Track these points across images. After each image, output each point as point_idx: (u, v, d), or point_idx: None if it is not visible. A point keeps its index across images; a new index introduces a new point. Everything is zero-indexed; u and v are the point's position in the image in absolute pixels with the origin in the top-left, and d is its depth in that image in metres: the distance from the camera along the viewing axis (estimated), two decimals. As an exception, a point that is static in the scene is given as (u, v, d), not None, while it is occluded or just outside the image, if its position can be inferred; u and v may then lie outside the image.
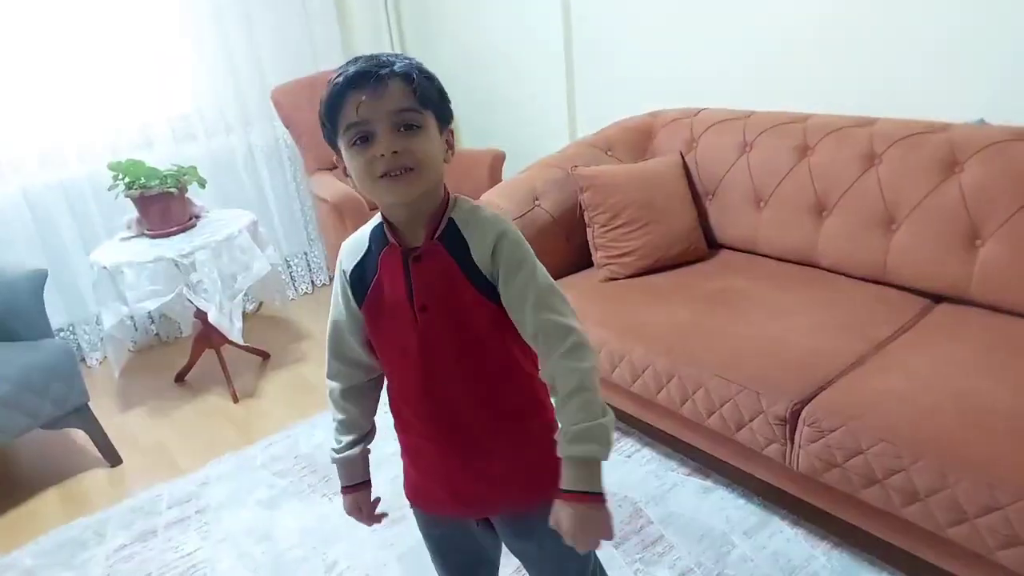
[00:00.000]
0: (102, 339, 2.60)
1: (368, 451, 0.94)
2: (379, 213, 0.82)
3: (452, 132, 0.80)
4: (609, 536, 0.73)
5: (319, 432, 2.02)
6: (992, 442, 1.08)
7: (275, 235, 2.97)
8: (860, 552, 1.37)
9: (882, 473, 1.15)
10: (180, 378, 2.44)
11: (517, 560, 0.98)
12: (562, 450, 0.73)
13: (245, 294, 2.30)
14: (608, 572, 1.32)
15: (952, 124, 1.55)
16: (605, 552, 1.45)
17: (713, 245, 1.97)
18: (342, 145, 0.75)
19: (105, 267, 2.06)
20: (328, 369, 0.91)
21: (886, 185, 1.60)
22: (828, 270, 1.73)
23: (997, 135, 1.47)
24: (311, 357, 2.49)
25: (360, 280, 0.83)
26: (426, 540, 0.97)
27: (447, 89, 0.80)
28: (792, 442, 1.29)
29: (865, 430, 1.17)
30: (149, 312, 2.50)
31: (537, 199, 1.90)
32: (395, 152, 0.72)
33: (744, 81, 2.04)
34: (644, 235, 1.83)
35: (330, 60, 2.94)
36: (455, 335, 0.79)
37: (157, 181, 2.11)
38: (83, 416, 1.93)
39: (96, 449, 1.98)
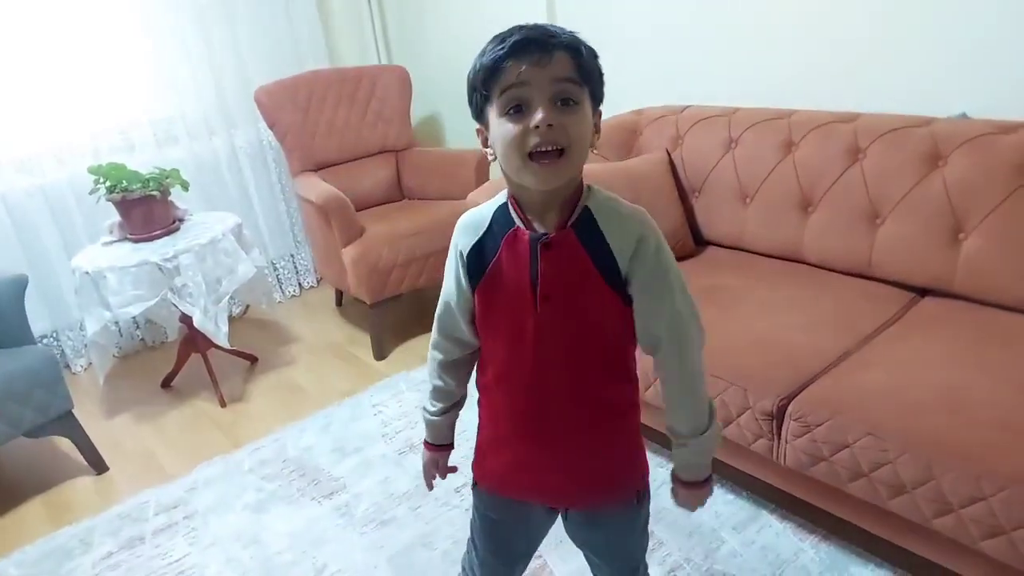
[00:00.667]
0: (86, 345, 2.56)
1: (457, 416, 0.96)
2: (503, 192, 0.80)
3: (600, 114, 0.77)
4: (708, 497, 0.90)
5: (307, 435, 2.01)
6: (977, 433, 1.09)
7: (261, 237, 2.94)
8: (848, 544, 1.38)
9: (868, 466, 1.16)
10: (166, 383, 2.41)
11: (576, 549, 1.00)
12: (688, 452, 0.84)
13: (231, 297, 2.28)
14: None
15: (935, 118, 1.56)
16: (596, 550, 1.45)
17: (700, 242, 1.97)
18: (493, 113, 0.72)
19: (87, 272, 2.03)
20: (433, 341, 0.91)
21: (870, 180, 1.61)
22: (814, 265, 1.74)
23: (979, 128, 1.48)
24: (299, 360, 2.47)
25: (478, 260, 0.80)
26: (481, 519, 0.96)
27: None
28: (779, 437, 1.30)
29: (851, 424, 1.18)
30: (134, 317, 2.47)
31: (524, 198, 1.90)
32: (550, 126, 0.69)
33: (729, 78, 2.05)
34: (631, 232, 1.83)
35: (313, 61, 2.92)
36: (575, 328, 0.78)
37: (139, 184, 2.08)
38: (67, 423, 1.91)
39: (81, 456, 1.96)
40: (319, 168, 2.71)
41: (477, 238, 0.80)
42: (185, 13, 2.58)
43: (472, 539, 0.99)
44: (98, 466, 1.97)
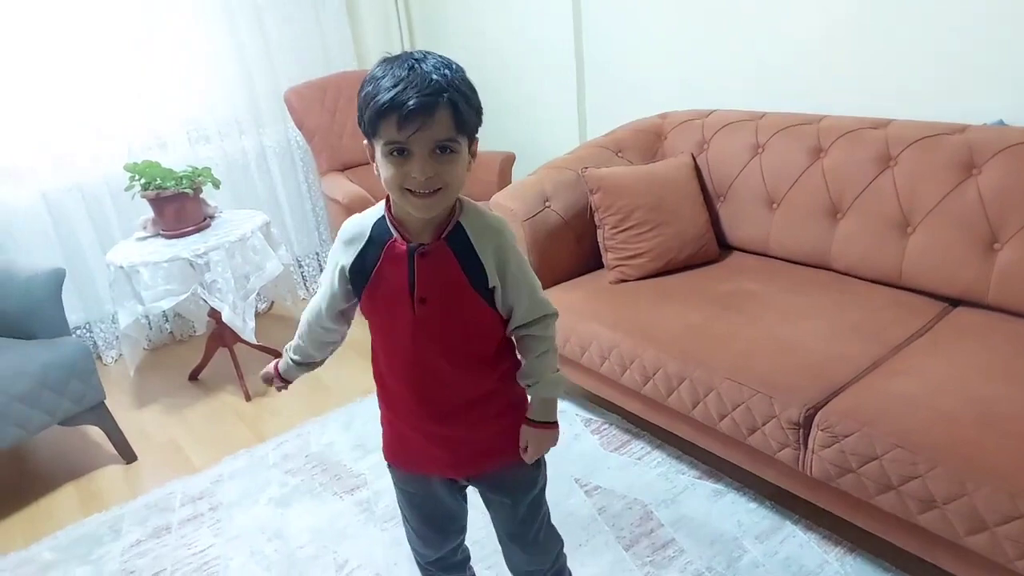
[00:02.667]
0: (118, 337, 2.64)
1: (306, 372, 1.08)
2: (380, 206, 0.88)
3: (476, 141, 0.84)
4: (555, 444, 1.00)
5: (330, 431, 2.04)
6: (1012, 449, 1.07)
7: (287, 235, 2.99)
8: (874, 558, 1.36)
9: (897, 480, 1.14)
10: (194, 376, 2.46)
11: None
12: (540, 390, 0.95)
13: (257, 294, 2.32)
14: (618, 575, 1.33)
15: (970, 126, 1.53)
16: (615, 554, 1.45)
17: (724, 247, 1.96)
18: (378, 148, 0.80)
19: (121, 267, 2.08)
20: (302, 324, 1.02)
21: (902, 187, 1.58)
22: (842, 273, 1.71)
23: (1016, 137, 1.44)
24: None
25: (360, 269, 0.89)
26: (400, 492, 1.07)
27: None
28: (805, 447, 1.28)
29: (880, 436, 1.16)
30: (164, 311, 2.53)
31: (547, 201, 1.90)
32: (428, 177, 0.78)
33: (756, 82, 2.03)
34: (655, 237, 1.82)
35: (342, 62, 2.96)
36: (449, 326, 0.88)
37: (172, 182, 2.13)
38: (99, 413, 1.96)
39: (112, 446, 2.01)
40: (345, 168, 2.75)
41: (360, 248, 0.89)
42: (217, 16, 2.64)
43: (402, 515, 1.09)
44: (127, 455, 2.02)
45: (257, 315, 2.67)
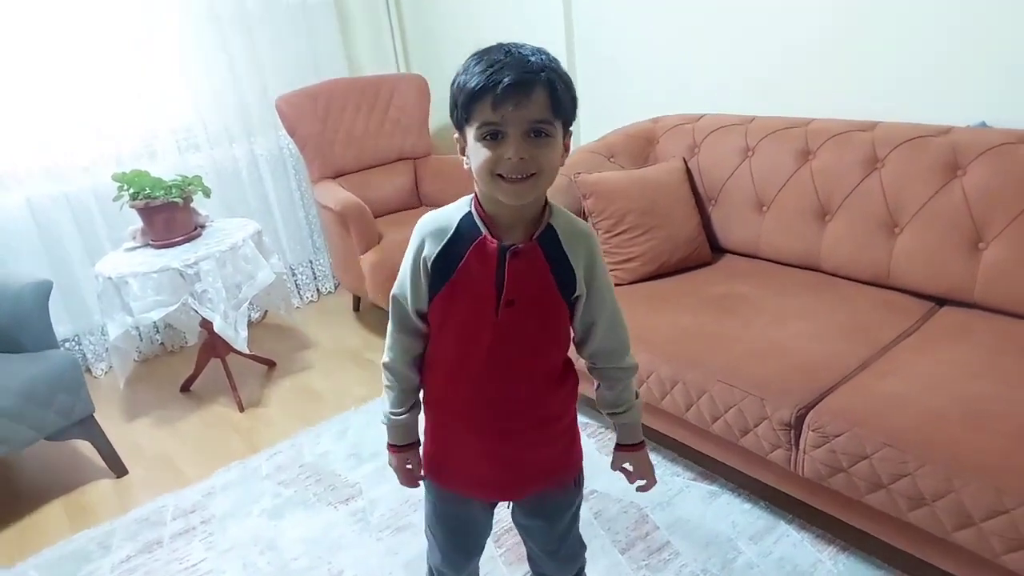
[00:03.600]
0: (107, 349, 2.61)
1: (420, 411, 0.98)
2: (467, 200, 0.84)
3: (570, 135, 0.82)
4: (653, 474, 1.01)
5: (324, 441, 2.03)
6: (998, 446, 1.08)
7: (280, 244, 2.98)
8: (867, 556, 1.37)
9: (887, 478, 1.15)
10: (185, 388, 2.44)
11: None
12: (627, 418, 0.96)
13: (250, 303, 2.31)
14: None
15: (954, 127, 1.56)
16: (611, 558, 1.45)
17: (716, 250, 1.97)
18: (470, 133, 0.77)
19: (110, 277, 2.07)
20: (390, 340, 0.93)
21: (888, 189, 1.60)
22: (831, 274, 1.73)
23: (999, 138, 1.47)
24: (316, 366, 2.49)
25: (444, 264, 0.83)
26: (434, 510, 1.02)
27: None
28: (797, 447, 1.29)
29: (870, 435, 1.17)
30: (154, 322, 2.50)
31: (539, 206, 1.91)
32: (522, 159, 0.74)
33: (745, 86, 2.05)
34: (647, 241, 1.84)
35: (332, 70, 2.96)
36: (533, 332, 0.85)
37: (162, 191, 2.12)
38: (88, 427, 1.94)
39: (101, 460, 1.99)
40: (338, 175, 2.75)
41: (443, 243, 0.83)
42: (206, 23, 2.63)
43: (429, 530, 1.05)
44: (118, 469, 2.00)
45: (251, 325, 2.66)
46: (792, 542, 1.44)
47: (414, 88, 2.88)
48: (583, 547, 1.09)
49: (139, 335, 2.70)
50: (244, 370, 2.44)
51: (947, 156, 1.52)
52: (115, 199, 2.16)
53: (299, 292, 3.09)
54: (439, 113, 3.02)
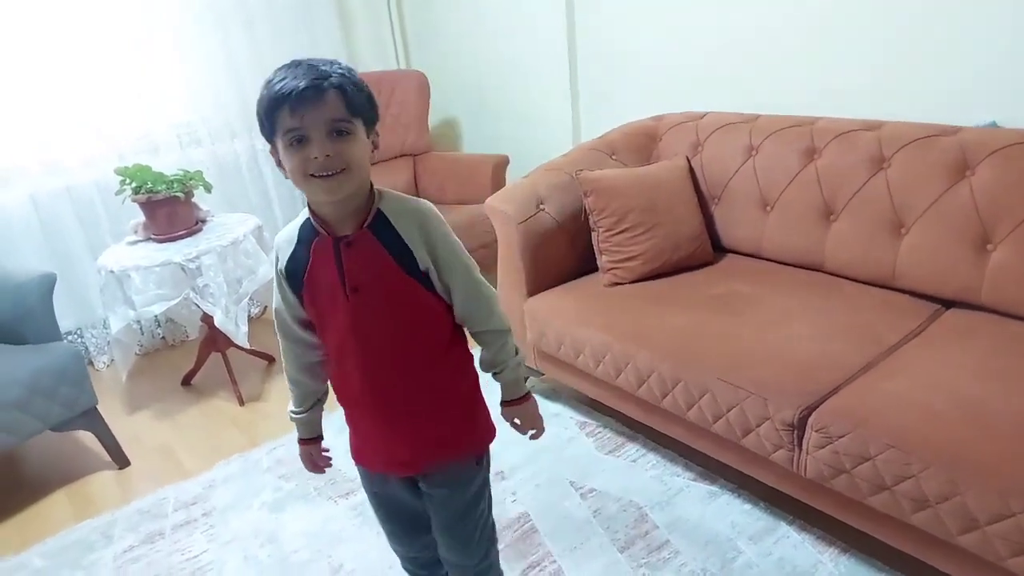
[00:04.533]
0: (109, 343, 2.62)
1: (321, 411, 1.08)
2: (306, 210, 0.91)
3: (377, 133, 0.89)
4: (541, 423, 1.06)
5: (324, 436, 2.02)
6: (1005, 449, 1.07)
7: (281, 239, 2.98)
8: (868, 558, 1.36)
9: (891, 480, 1.14)
10: (186, 381, 2.45)
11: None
12: (507, 375, 1.00)
13: (250, 298, 2.31)
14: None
15: (963, 127, 1.54)
16: (610, 557, 1.44)
17: (718, 249, 1.96)
18: (279, 143, 0.83)
19: (112, 271, 2.07)
20: (283, 348, 1.01)
21: (895, 189, 1.59)
22: (835, 275, 1.72)
23: (1009, 138, 1.45)
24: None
25: (294, 271, 0.91)
26: (369, 496, 1.10)
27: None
28: (800, 448, 1.28)
29: (874, 436, 1.16)
30: (156, 316, 2.51)
31: (541, 203, 1.90)
32: (328, 156, 0.81)
33: (750, 84, 2.04)
34: (649, 239, 1.83)
35: (335, 64, 2.95)
36: (387, 314, 0.90)
37: (164, 186, 2.12)
38: (91, 419, 1.95)
39: (104, 451, 2.00)
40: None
41: (290, 252, 0.91)
42: (207, 19, 2.62)
43: (375, 513, 1.12)
44: (120, 461, 2.01)
45: (250, 320, 2.66)
46: (793, 543, 1.43)
47: (414, 84, 2.87)
48: (491, 541, 1.10)
49: (140, 329, 2.70)
50: (244, 365, 2.44)
51: (956, 156, 1.50)
52: (117, 193, 2.16)
53: (301, 287, 3.09)
54: (439, 110, 3.02)
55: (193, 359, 2.43)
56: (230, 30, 2.69)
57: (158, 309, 2.08)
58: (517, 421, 1.06)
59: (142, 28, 2.51)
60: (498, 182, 2.60)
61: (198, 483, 1.88)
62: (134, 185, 2.12)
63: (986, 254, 1.46)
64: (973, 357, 1.31)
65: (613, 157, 2.05)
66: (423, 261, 0.89)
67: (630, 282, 1.82)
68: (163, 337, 2.80)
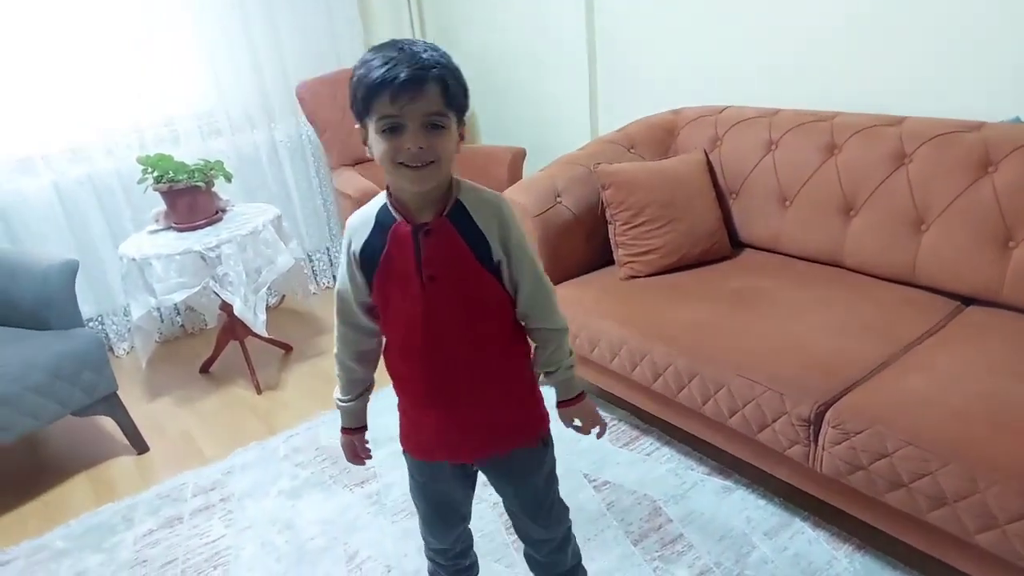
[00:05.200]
0: (130, 330, 2.66)
1: (368, 400, 1.07)
2: (383, 194, 0.91)
3: (465, 124, 0.88)
4: (602, 419, 1.07)
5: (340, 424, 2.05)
6: (1024, 447, 1.06)
7: (298, 230, 3.01)
8: (883, 555, 1.36)
9: (908, 477, 1.14)
10: (205, 369, 2.48)
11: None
12: (561, 374, 1.01)
13: (268, 287, 2.34)
14: (627, 570, 1.34)
15: (986, 123, 1.52)
16: (624, 549, 1.45)
17: (736, 244, 1.95)
18: (371, 127, 0.83)
19: (134, 259, 2.10)
20: (336, 334, 1.00)
21: (916, 185, 1.57)
22: (854, 270, 1.70)
23: (1033, 134, 1.43)
24: (331, 351, 2.48)
25: (370, 255, 0.91)
26: (412, 482, 1.09)
27: (469, 86, 0.86)
28: (816, 444, 1.28)
29: (891, 433, 1.16)
30: (175, 304, 2.55)
31: (558, 196, 1.90)
32: (421, 148, 0.81)
33: (769, 78, 2.02)
34: (666, 233, 1.82)
35: (353, 57, 2.95)
36: (460, 303, 0.90)
37: (185, 175, 2.15)
38: (112, 404, 1.98)
39: (124, 437, 2.03)
40: (357, 163, 2.76)
41: (366, 237, 0.91)
42: (229, 10, 2.64)
43: (413, 501, 1.11)
44: (139, 446, 2.04)
45: (268, 309, 2.69)
46: (807, 539, 1.43)
47: (434, 77, 2.87)
48: (565, 509, 1.12)
49: (161, 316, 2.74)
50: (262, 353, 2.47)
51: (978, 152, 1.48)
52: (139, 182, 2.19)
53: (316, 278, 3.12)
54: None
55: (211, 347, 2.47)
56: (252, 21, 2.70)
57: (178, 297, 2.11)
58: (578, 422, 1.06)
59: (163, 16, 2.53)
60: (515, 174, 2.61)
61: (216, 469, 1.91)
62: (156, 174, 2.15)
63: (1008, 251, 1.44)
64: (993, 354, 1.29)
65: (631, 150, 2.05)
66: (497, 253, 0.89)
67: (647, 275, 1.82)
68: (182, 325, 2.84)
